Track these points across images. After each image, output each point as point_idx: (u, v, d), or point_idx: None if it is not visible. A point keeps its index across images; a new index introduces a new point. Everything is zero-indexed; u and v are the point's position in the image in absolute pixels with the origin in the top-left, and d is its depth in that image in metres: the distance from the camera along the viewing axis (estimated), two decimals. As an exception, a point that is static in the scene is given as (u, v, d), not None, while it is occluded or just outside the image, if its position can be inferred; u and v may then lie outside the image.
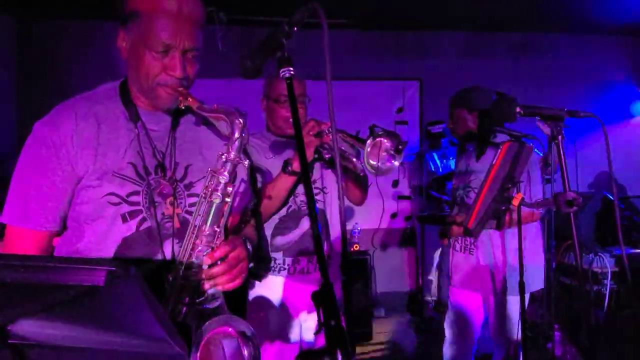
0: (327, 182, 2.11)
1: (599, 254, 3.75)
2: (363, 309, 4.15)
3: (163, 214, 1.22)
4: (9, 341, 0.75)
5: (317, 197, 2.08)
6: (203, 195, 1.16)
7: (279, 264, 2.04)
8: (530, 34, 5.19)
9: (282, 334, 2.04)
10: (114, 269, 0.64)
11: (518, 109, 1.36)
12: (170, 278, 1.15)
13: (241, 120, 1.14)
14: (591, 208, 3.90)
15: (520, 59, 5.18)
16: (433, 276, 4.69)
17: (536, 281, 2.45)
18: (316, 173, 2.08)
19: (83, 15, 4.42)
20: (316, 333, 0.85)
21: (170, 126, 1.28)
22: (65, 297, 0.70)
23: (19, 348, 0.77)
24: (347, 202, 2.21)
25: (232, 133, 1.15)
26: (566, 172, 1.36)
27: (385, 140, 1.69)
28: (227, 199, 1.15)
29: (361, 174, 1.92)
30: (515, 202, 1.66)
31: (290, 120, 1.94)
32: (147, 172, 1.21)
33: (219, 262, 1.14)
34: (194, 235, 1.15)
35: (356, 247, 4.38)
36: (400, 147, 1.63)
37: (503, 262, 2.39)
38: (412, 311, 4.74)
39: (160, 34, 1.15)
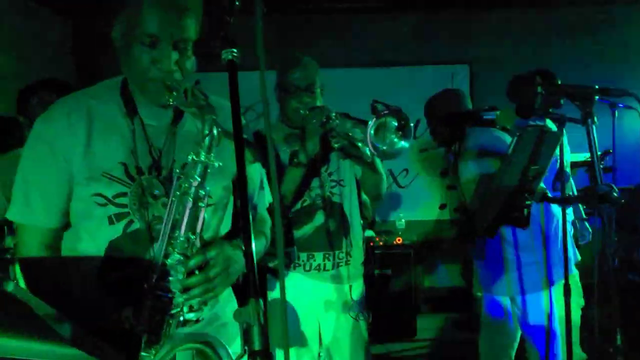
0: (345, 174, 1.99)
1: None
2: (406, 304, 4.00)
3: (154, 215, 1.16)
4: None
5: (333, 190, 1.97)
6: (172, 199, 1.09)
7: (293, 259, 1.96)
8: (589, 10, 4.71)
9: (298, 334, 1.96)
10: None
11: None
12: (146, 286, 1.09)
13: (211, 116, 1.07)
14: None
15: (578, 38, 4.72)
16: (484, 271, 4.43)
17: (557, 273, 2.25)
18: (333, 165, 1.97)
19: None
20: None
21: (171, 121, 1.22)
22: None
23: None
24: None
25: (203, 129, 1.07)
26: (597, 161, 1.16)
27: (391, 119, 1.53)
28: (201, 204, 1.08)
29: (368, 161, 1.78)
30: (537, 198, 1.46)
31: (301, 111, 1.84)
32: (139, 171, 1.16)
33: (196, 272, 1.08)
34: (166, 242, 1.08)
35: (399, 240, 4.21)
36: (402, 123, 1.47)
37: (517, 261, 2.22)
38: (460, 308, 4.50)
39: (146, 24, 1.09)
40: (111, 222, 1.15)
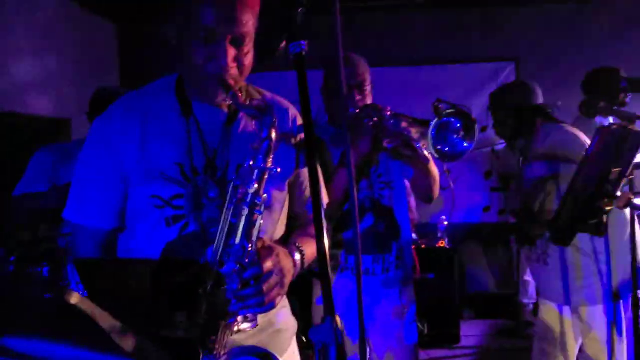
0: (394, 176, 1.91)
1: None
2: (449, 309, 3.87)
3: (209, 217, 1.13)
4: None
5: (382, 193, 1.90)
6: (228, 205, 1.04)
7: (341, 262, 1.90)
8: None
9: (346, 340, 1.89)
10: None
11: (624, 83, 1.06)
12: (201, 292, 1.06)
13: (272, 119, 1.02)
14: None
15: (627, 33, 4.44)
16: (530, 276, 4.25)
17: (625, 285, 2.07)
18: (381, 165, 1.90)
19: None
20: None
21: (226, 120, 1.18)
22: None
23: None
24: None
25: (261, 132, 1.02)
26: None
27: (454, 120, 1.44)
28: (257, 211, 1.03)
29: (426, 162, 1.69)
30: (620, 203, 1.33)
31: (350, 109, 1.78)
32: (194, 172, 1.13)
33: (251, 282, 1.03)
34: (221, 250, 1.04)
35: (442, 243, 4.08)
36: (469, 124, 1.39)
37: (581, 268, 2.06)
38: (506, 314, 4.34)
39: (202, 18, 1.05)
40: (168, 224, 1.13)
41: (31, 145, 3.33)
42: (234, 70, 1.09)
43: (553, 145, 2.07)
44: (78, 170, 1.20)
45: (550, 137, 2.11)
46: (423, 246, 4.05)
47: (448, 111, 1.41)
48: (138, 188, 1.13)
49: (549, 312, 2.27)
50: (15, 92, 3.54)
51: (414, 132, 1.64)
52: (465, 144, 1.46)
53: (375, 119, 1.63)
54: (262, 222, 1.05)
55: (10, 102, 3.50)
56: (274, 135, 1.03)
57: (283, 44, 0.83)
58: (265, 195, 1.04)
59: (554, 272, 2.15)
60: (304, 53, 0.75)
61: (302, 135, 1.27)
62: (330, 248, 1.91)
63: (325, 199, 1.39)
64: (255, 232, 1.04)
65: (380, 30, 4.61)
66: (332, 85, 1.85)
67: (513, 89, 2.35)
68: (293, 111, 1.28)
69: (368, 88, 1.85)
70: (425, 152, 1.59)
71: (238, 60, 1.09)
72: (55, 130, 3.75)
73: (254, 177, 1.02)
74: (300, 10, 0.75)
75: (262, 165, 1.02)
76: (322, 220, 0.74)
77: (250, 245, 1.04)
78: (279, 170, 1.04)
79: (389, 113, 1.61)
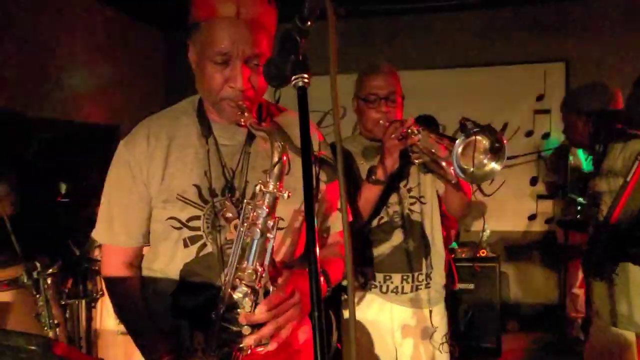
0: (426, 190, 1.85)
1: None
2: (491, 321, 3.73)
3: (226, 239, 1.14)
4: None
5: (413, 207, 1.84)
6: (240, 228, 1.05)
7: (369, 280, 1.86)
8: None
9: (374, 357, 1.85)
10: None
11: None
12: (213, 316, 1.06)
13: (280, 144, 1.01)
14: None
15: None
16: (579, 290, 4.03)
17: None
18: (413, 180, 1.84)
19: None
20: None
21: (245, 140, 1.19)
22: None
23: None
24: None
25: (272, 156, 1.02)
26: None
27: (481, 138, 1.38)
28: (269, 235, 1.02)
29: (453, 181, 1.63)
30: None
31: (381, 122, 1.74)
32: (212, 194, 1.15)
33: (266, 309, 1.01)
34: (233, 273, 1.05)
35: (483, 252, 3.94)
36: (497, 145, 1.32)
37: None
38: (551, 328, 4.14)
39: (216, 42, 1.07)
40: (186, 245, 1.15)
41: (85, 152, 3.48)
42: (249, 92, 1.11)
43: (630, 157, 1.85)
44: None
45: (629, 147, 1.89)
46: (463, 255, 3.92)
47: (475, 130, 1.34)
48: (160, 210, 1.17)
49: (605, 334, 2.03)
50: (71, 101, 3.71)
51: (443, 148, 1.58)
52: (493, 164, 1.39)
53: (404, 133, 1.58)
54: (274, 245, 1.04)
55: (67, 111, 3.68)
56: (284, 159, 1.02)
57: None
58: (277, 219, 1.03)
59: (619, 292, 1.92)
60: (307, 87, 0.73)
61: (322, 152, 1.26)
62: (357, 265, 1.88)
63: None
64: (267, 256, 1.03)
65: (425, 33, 4.51)
66: (363, 95, 1.81)
67: (590, 91, 2.17)
68: (313, 128, 1.27)
69: (398, 99, 1.80)
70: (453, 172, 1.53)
71: (253, 81, 1.10)
72: (106, 136, 3.90)
73: (265, 202, 1.02)
74: (302, 39, 0.73)
75: (272, 191, 1.01)
76: (315, 247, 0.71)
77: (262, 269, 1.03)
78: (288, 195, 1.02)
79: (416, 128, 1.56)
